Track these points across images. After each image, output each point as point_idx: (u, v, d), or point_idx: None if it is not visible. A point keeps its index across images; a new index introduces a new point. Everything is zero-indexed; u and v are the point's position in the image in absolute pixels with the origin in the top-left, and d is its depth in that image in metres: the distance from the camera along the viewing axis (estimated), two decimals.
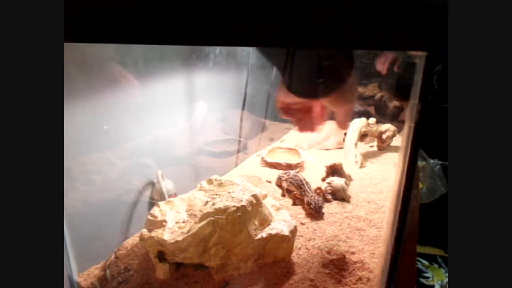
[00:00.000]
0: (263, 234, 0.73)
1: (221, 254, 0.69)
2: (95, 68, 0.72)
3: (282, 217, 0.81)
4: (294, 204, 1.00)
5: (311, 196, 0.94)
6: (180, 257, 0.69)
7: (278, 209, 0.85)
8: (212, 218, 0.69)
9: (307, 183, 1.01)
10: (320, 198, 0.95)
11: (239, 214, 0.70)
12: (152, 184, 0.92)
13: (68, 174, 0.69)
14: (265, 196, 0.88)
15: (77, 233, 0.70)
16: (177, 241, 0.68)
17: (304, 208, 0.96)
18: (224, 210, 0.70)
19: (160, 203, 0.80)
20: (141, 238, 0.73)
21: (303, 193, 0.97)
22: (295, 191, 1.01)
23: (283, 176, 1.08)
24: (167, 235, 0.71)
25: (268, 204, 0.84)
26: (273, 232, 0.74)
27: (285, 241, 0.74)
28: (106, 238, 0.82)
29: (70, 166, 0.70)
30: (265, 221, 0.77)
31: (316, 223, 0.90)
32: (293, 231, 0.77)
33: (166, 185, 0.91)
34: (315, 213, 0.91)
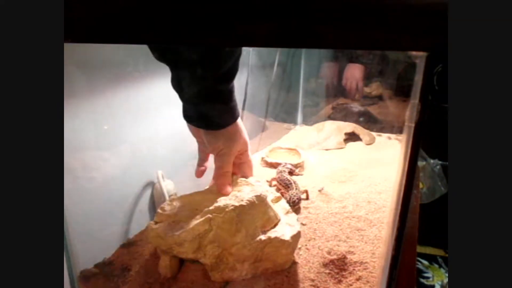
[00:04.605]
0: (262, 236, 0.71)
1: (217, 253, 0.69)
2: (96, 67, 0.72)
3: (289, 221, 0.78)
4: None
5: (291, 193, 0.97)
6: (176, 251, 0.70)
7: (287, 212, 0.82)
8: (209, 215, 0.69)
9: (294, 182, 1.03)
10: (300, 196, 0.97)
11: (236, 213, 0.69)
12: (152, 184, 0.92)
13: (68, 174, 0.69)
14: (279, 198, 0.86)
15: (77, 233, 0.70)
16: (173, 235, 0.69)
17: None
18: (222, 209, 0.69)
19: (171, 197, 0.80)
20: (147, 229, 0.74)
21: (289, 190, 1.01)
22: (282, 190, 1.04)
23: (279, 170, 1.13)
24: (168, 228, 0.71)
25: (280, 206, 0.82)
26: (273, 235, 0.71)
27: (285, 247, 0.71)
28: (107, 237, 0.82)
29: (70, 166, 0.70)
30: (269, 224, 0.75)
31: (317, 223, 0.90)
32: (295, 236, 0.73)
33: (167, 185, 0.91)
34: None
